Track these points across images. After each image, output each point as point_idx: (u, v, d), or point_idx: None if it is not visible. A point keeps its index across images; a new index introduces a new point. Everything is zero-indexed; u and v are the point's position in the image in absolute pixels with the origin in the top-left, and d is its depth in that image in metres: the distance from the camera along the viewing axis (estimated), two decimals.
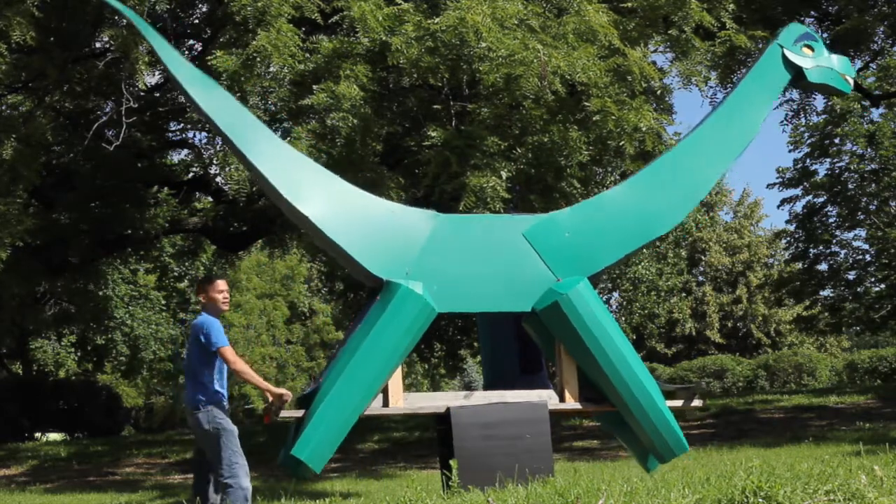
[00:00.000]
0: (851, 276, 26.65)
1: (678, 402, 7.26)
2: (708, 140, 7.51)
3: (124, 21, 11.12)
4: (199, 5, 15.33)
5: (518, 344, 7.62)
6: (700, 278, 41.97)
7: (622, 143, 10.05)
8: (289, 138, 10.73)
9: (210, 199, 18.76)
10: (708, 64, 11.71)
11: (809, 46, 7.73)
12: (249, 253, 29.53)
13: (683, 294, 37.17)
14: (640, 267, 24.23)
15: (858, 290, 26.43)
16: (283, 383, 40.06)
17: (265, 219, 16.05)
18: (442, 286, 6.70)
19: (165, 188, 17.68)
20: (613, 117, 9.85)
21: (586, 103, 10.03)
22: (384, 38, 9.76)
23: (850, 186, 25.29)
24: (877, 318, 26.54)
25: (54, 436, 28.06)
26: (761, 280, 37.90)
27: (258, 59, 9.76)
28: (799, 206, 26.64)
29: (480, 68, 9.51)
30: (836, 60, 7.83)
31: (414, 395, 6.99)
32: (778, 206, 39.88)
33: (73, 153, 16.06)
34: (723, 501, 4.79)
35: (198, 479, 6.56)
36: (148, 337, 26.15)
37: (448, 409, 6.69)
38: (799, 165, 25.91)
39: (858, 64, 19.71)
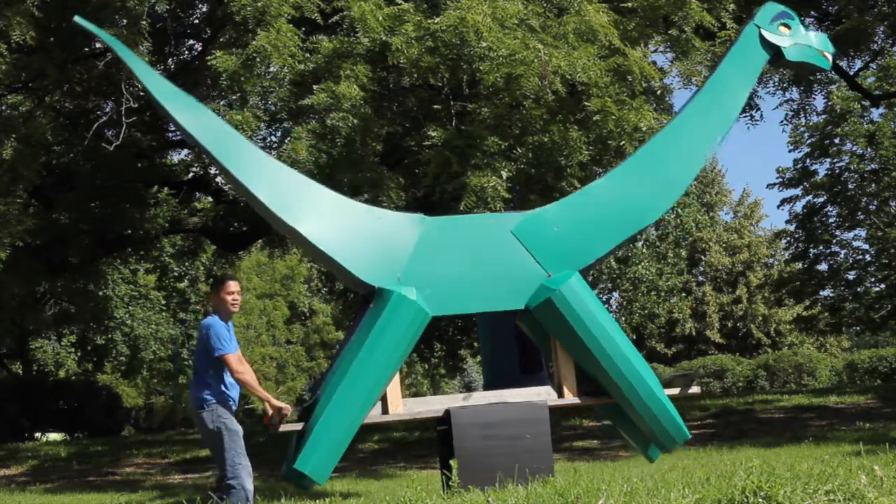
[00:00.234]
0: (851, 276, 26.64)
1: (675, 390, 7.26)
2: (690, 125, 7.48)
3: (124, 21, 11.14)
4: (199, 5, 15.34)
5: (518, 344, 7.61)
6: (700, 278, 41.99)
7: (622, 142, 10.05)
8: (289, 138, 10.75)
9: (210, 199, 18.77)
10: (708, 64, 11.69)
11: (786, 25, 7.67)
12: (249, 253, 29.52)
13: (683, 294, 37.17)
14: (640, 267, 24.22)
15: (858, 290, 26.43)
16: (283, 383, 40.12)
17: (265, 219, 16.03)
18: (434, 289, 6.70)
19: (165, 188, 17.68)
20: (614, 117, 9.85)
21: (586, 103, 10.04)
22: (384, 38, 9.76)
23: (850, 186, 25.28)
24: (877, 318, 26.53)
25: (54, 436, 28.06)
26: (761, 280, 37.91)
27: (258, 59, 9.76)
28: (799, 206, 26.65)
29: (481, 68, 9.52)
30: (814, 37, 7.77)
31: (412, 400, 6.99)
32: (778, 206, 39.92)
33: (73, 153, 16.06)
34: (723, 501, 4.79)
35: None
36: (148, 337, 26.14)
37: (448, 409, 6.69)
38: (799, 165, 25.91)
39: (858, 64, 19.73)
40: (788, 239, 28.05)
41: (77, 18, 6.89)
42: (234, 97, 11.53)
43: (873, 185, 24.79)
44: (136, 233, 16.67)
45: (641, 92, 10.53)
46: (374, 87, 10.07)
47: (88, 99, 14.70)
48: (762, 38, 7.63)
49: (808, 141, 25.40)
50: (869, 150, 24.25)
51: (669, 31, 11.17)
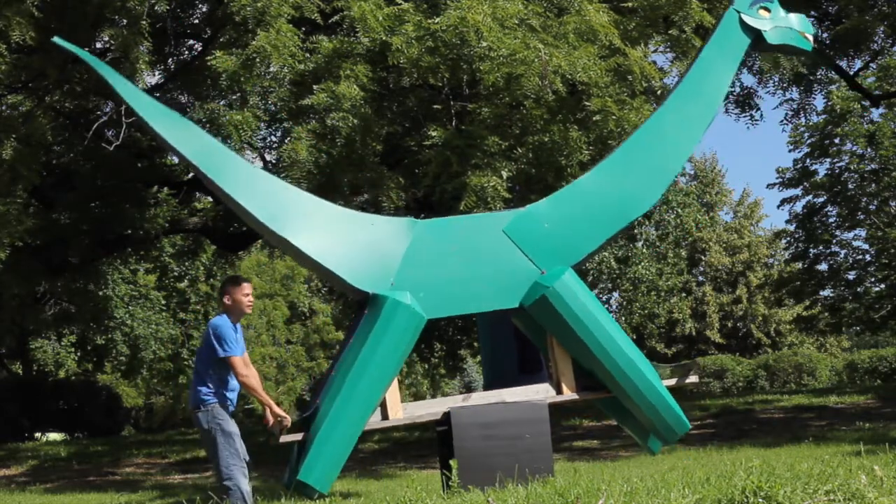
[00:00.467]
0: (851, 276, 26.64)
1: (673, 381, 7.25)
2: (676, 114, 7.46)
3: (124, 21, 11.13)
4: (199, 5, 15.34)
5: (518, 344, 7.61)
6: (700, 278, 41.97)
7: (622, 142, 10.04)
8: (289, 138, 10.74)
9: (210, 199, 18.75)
10: None
11: (766, 8, 7.64)
12: (249, 253, 29.55)
13: (683, 294, 37.17)
14: (640, 267, 24.23)
15: (858, 290, 26.43)
16: (283, 383, 40.11)
17: None
18: (428, 292, 6.69)
19: (165, 188, 17.66)
20: (614, 117, 9.85)
21: (587, 103, 10.04)
22: (384, 38, 9.76)
23: (850, 186, 25.28)
24: (877, 318, 26.53)
25: (54, 436, 28.06)
26: (761, 280, 37.90)
27: (258, 59, 9.76)
28: (799, 206, 26.66)
29: (481, 68, 9.51)
30: (795, 19, 7.74)
31: (412, 404, 6.99)
32: (778, 206, 39.95)
33: (73, 153, 16.05)
34: (723, 501, 4.79)
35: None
36: (148, 337, 26.13)
37: (448, 410, 6.69)
38: (799, 165, 25.91)
39: (858, 64, 19.74)
40: (788, 239, 28.05)
41: (56, 39, 6.90)
42: (234, 97, 11.52)
43: (873, 185, 24.79)
44: (136, 233, 16.66)
45: (642, 92, 10.54)
46: (374, 87, 10.07)
47: (88, 99, 14.69)
48: (742, 22, 7.60)
49: (808, 141, 25.40)
50: (869, 150, 24.26)
51: (669, 31, 11.17)
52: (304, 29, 11.28)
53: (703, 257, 41.56)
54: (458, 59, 9.65)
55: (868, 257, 26.67)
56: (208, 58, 10.82)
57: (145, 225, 16.17)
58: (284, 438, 6.45)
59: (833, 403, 18.44)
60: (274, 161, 15.93)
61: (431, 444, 12.84)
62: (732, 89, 16.63)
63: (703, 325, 40.09)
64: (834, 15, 17.48)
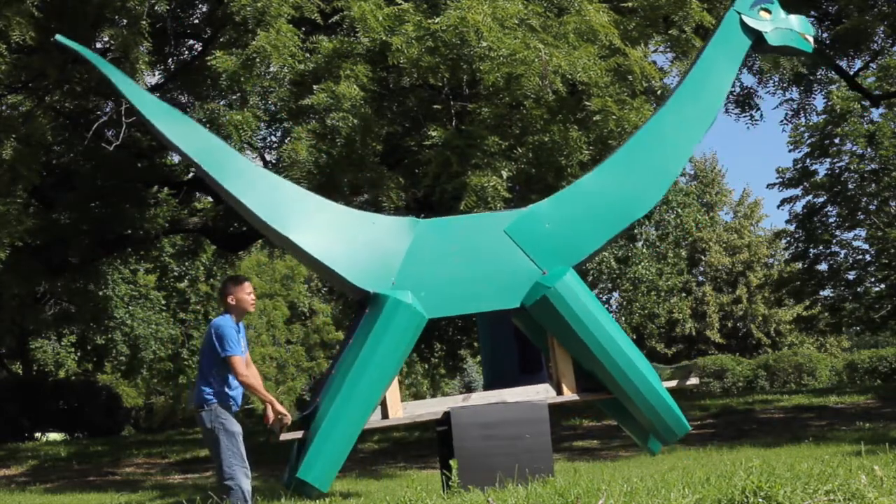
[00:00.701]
0: (851, 276, 26.64)
1: (673, 382, 7.25)
2: (676, 115, 7.48)
3: (124, 21, 11.13)
4: (199, 5, 15.33)
5: (518, 344, 7.61)
6: (700, 278, 41.97)
7: (623, 142, 10.03)
8: (289, 138, 10.74)
9: (210, 199, 18.75)
10: None
11: (766, 10, 7.66)
12: (249, 253, 29.55)
13: (683, 294, 37.16)
14: (640, 267, 24.23)
15: (858, 290, 26.43)
16: (283, 383, 40.11)
17: None
18: (429, 292, 6.69)
19: (165, 188, 17.66)
20: (614, 117, 9.85)
21: (587, 103, 10.04)
22: (384, 38, 9.76)
23: (850, 186, 25.28)
24: (877, 318, 26.53)
25: (54, 436, 28.06)
26: (761, 280, 37.90)
27: (258, 59, 9.76)
28: (799, 206, 26.66)
29: (481, 68, 9.51)
30: (795, 20, 7.76)
31: (412, 403, 6.99)
32: (778, 206, 39.95)
33: (73, 153, 16.05)
34: (723, 501, 4.79)
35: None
36: (148, 337, 26.13)
37: (448, 409, 6.69)
38: (799, 165, 25.91)
39: (858, 64, 19.74)
40: (788, 239, 28.05)
41: (58, 37, 6.90)
42: (234, 97, 11.53)
43: (873, 185, 24.79)
44: (136, 233, 16.66)
45: (642, 92, 10.54)
46: (374, 87, 10.07)
47: (88, 99, 14.69)
48: (743, 23, 7.62)
49: (808, 141, 25.40)
50: (869, 150, 24.26)
51: (670, 31, 11.17)
52: (304, 29, 11.28)
53: (703, 257, 41.57)
54: (458, 59, 9.65)
55: (868, 257, 26.68)
56: (208, 58, 10.83)
57: (145, 225, 16.17)
58: (285, 436, 6.45)
59: (833, 403, 18.44)
60: (274, 161, 15.93)
61: (431, 444, 12.84)
62: (733, 89, 16.64)
63: (703, 325, 40.09)
64: (834, 15, 17.48)
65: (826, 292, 27.56)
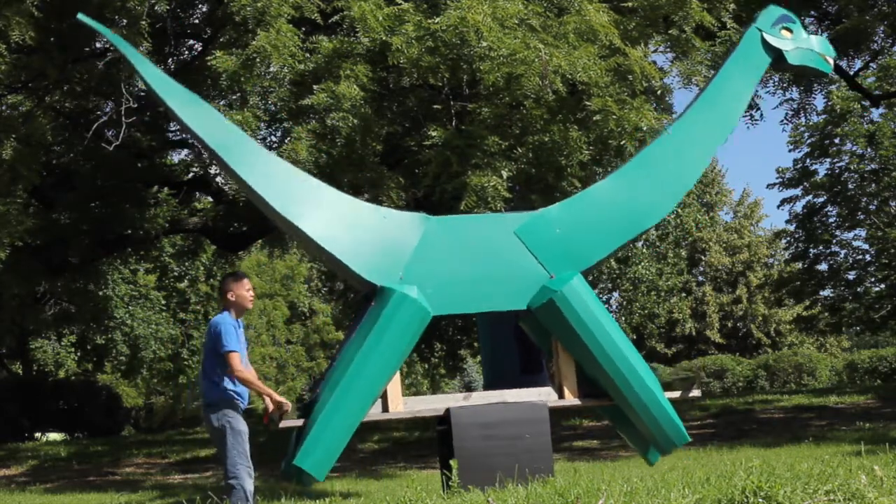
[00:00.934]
0: (851, 276, 26.64)
1: (676, 393, 7.26)
2: (692, 128, 7.50)
3: (124, 21, 11.14)
4: (199, 5, 15.34)
5: (518, 344, 7.61)
6: (700, 278, 41.98)
7: (623, 142, 10.04)
8: (289, 138, 10.73)
9: (210, 199, 18.76)
10: (708, 64, 11.70)
11: (788, 29, 7.71)
12: (249, 253, 29.54)
13: (683, 294, 37.16)
14: (640, 267, 24.23)
15: (858, 290, 26.43)
16: (283, 383, 40.11)
17: (265, 219, 15.98)
18: (436, 289, 6.70)
19: (165, 188, 17.67)
20: (614, 117, 9.84)
21: (587, 103, 10.03)
22: (384, 38, 9.75)
23: (850, 186, 25.28)
24: (877, 318, 26.54)
25: (54, 436, 28.06)
26: (761, 280, 37.91)
27: (258, 59, 9.76)
28: (799, 206, 26.66)
29: (481, 68, 9.51)
30: (816, 41, 7.81)
31: (413, 399, 6.99)
32: (778, 206, 39.91)
33: (73, 153, 16.05)
34: (723, 501, 4.79)
35: None
36: (148, 337, 26.14)
37: (448, 409, 6.69)
38: (799, 165, 25.91)
39: (858, 64, 19.74)
40: (788, 239, 28.05)
41: (80, 16, 6.90)
42: (234, 97, 11.52)
43: (873, 185, 24.79)
44: (136, 233, 16.66)
45: (642, 91, 10.53)
46: (374, 87, 10.06)
47: (88, 99, 14.70)
48: (764, 41, 7.66)
49: (808, 141, 25.40)
50: (869, 150, 24.26)
51: (670, 31, 11.17)
52: (304, 29, 11.28)
53: (703, 257, 41.58)
54: (458, 59, 9.65)
55: (868, 257, 26.68)
56: (208, 58, 10.83)
57: (145, 225, 16.18)
58: (284, 423, 6.46)
59: (833, 403, 18.44)
60: None
61: (431, 444, 12.85)
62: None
63: (703, 325, 40.10)
64: (834, 15, 17.48)
65: (826, 292, 27.58)
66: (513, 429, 6.64)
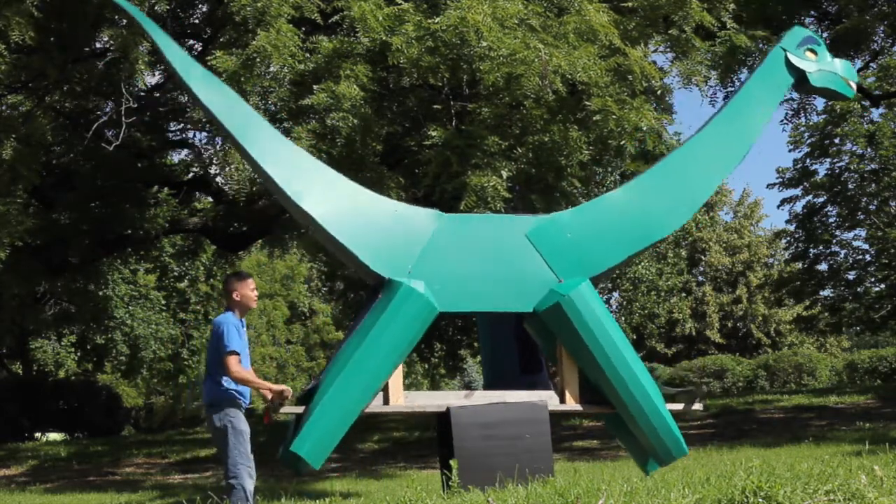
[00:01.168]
0: (851, 276, 26.65)
1: (679, 406, 7.25)
2: (711, 143, 7.50)
3: (124, 21, 11.13)
4: (199, 5, 15.32)
5: (518, 344, 7.61)
6: (700, 278, 41.98)
7: (623, 142, 10.04)
8: (289, 138, 10.71)
9: (210, 199, 18.76)
10: (708, 64, 11.71)
11: (813, 50, 7.72)
12: (249, 253, 29.51)
13: (683, 294, 37.16)
14: (640, 267, 24.23)
15: (858, 290, 26.43)
16: (283, 383, 40.11)
17: (265, 219, 16.05)
18: (444, 285, 6.70)
19: (165, 188, 17.67)
20: (614, 117, 9.84)
21: (587, 103, 10.03)
22: (384, 38, 9.75)
23: (850, 186, 25.28)
24: (877, 318, 26.54)
25: (54, 436, 28.06)
26: (761, 280, 37.91)
27: (258, 59, 9.75)
28: (799, 206, 26.66)
29: (481, 68, 9.51)
30: (839, 65, 7.82)
31: (414, 393, 7.00)
32: (778, 206, 39.91)
33: (73, 153, 16.05)
34: (723, 501, 4.79)
35: None
36: (148, 337, 26.15)
37: (448, 408, 6.69)
38: (799, 165, 25.91)
39: (858, 64, 19.72)
40: (788, 239, 28.06)
41: None
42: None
43: (873, 185, 24.79)
44: (136, 233, 16.67)
45: (642, 91, 10.53)
46: (374, 87, 10.06)
47: (88, 99, 14.69)
48: (788, 61, 7.65)
49: (808, 141, 25.40)
50: (869, 150, 24.25)
51: (669, 31, 11.17)
52: (304, 29, 11.27)
53: (703, 257, 41.57)
54: (458, 59, 9.65)
55: (868, 257, 26.68)
56: (208, 58, 10.80)
57: (145, 225, 16.19)
58: (285, 409, 6.47)
59: (833, 403, 18.45)
60: None
61: (431, 444, 12.85)
62: (732, 88, 16.61)
63: (703, 325, 40.09)
64: (834, 15, 17.46)
65: (826, 292, 27.58)
66: (513, 429, 6.64)
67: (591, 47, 9.91)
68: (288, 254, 30.27)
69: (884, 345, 33.25)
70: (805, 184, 25.98)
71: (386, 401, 6.69)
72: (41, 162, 12.66)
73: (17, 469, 16.40)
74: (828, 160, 25.35)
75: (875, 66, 20.66)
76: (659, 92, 12.03)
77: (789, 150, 26.25)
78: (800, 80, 7.71)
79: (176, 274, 24.96)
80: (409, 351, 6.92)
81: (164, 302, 26.82)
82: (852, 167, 24.92)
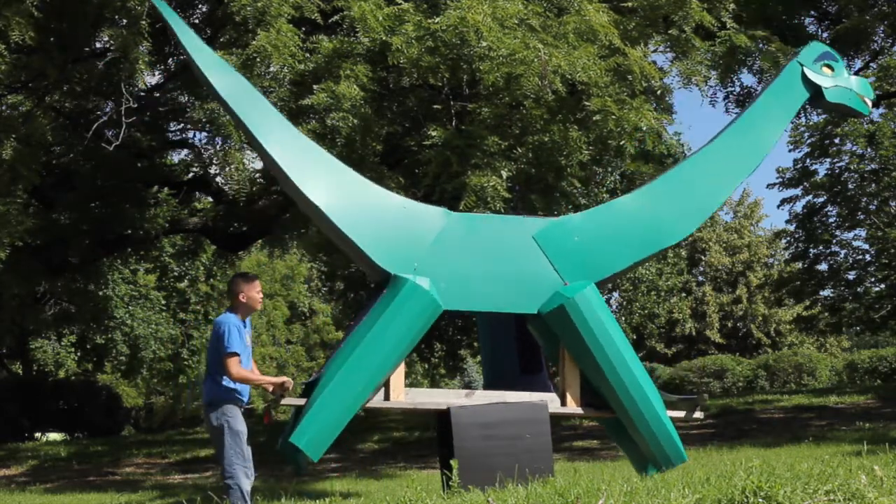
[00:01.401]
0: (851, 276, 26.64)
1: (680, 413, 7.24)
2: (722, 154, 7.49)
3: (124, 21, 11.13)
4: (199, 5, 15.32)
5: (518, 344, 7.61)
6: (700, 278, 41.98)
7: (622, 142, 10.04)
8: None
9: (210, 199, 18.76)
10: (708, 64, 11.70)
11: (829, 66, 7.71)
12: (249, 253, 29.51)
13: (683, 294, 37.16)
14: (640, 267, 24.23)
15: (858, 290, 26.42)
16: None
17: (265, 219, 16.05)
18: (449, 283, 6.71)
19: (165, 188, 17.68)
20: (614, 117, 9.84)
21: (587, 103, 10.03)
22: (384, 38, 9.75)
23: (850, 186, 25.27)
24: (877, 318, 26.52)
25: (54, 436, 28.08)
26: (761, 280, 37.91)
27: (258, 59, 9.76)
28: (799, 206, 26.65)
29: (481, 68, 9.51)
30: (855, 81, 7.82)
31: (416, 390, 6.99)
32: (778, 206, 39.93)
33: (73, 153, 16.05)
34: (723, 501, 4.79)
35: None
36: (148, 337, 26.16)
37: (448, 408, 6.69)
38: (799, 165, 25.90)
39: (858, 64, 19.72)
40: (788, 239, 28.04)
41: None
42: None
43: (873, 185, 24.77)
44: (136, 233, 16.67)
45: (641, 92, 10.53)
46: (374, 87, 10.06)
47: (88, 99, 14.69)
48: (804, 76, 7.65)
49: (808, 141, 25.38)
50: (869, 150, 24.23)
51: (669, 31, 11.16)
52: (304, 29, 11.27)
53: (703, 257, 41.58)
54: (458, 59, 9.65)
55: (868, 257, 26.67)
56: None
57: (145, 225, 16.19)
58: (286, 401, 6.46)
59: (833, 403, 18.45)
60: None
61: (431, 444, 12.85)
62: (732, 88, 16.60)
63: (703, 325, 40.10)
64: (834, 15, 17.47)
65: (826, 292, 27.57)
66: (513, 429, 6.64)
67: (590, 47, 9.91)
68: (288, 254, 30.29)
69: (884, 345, 33.25)
70: (805, 184, 25.96)
71: (387, 397, 6.70)
72: (41, 162, 12.66)
73: (17, 469, 16.41)
74: (828, 160, 25.33)
75: (875, 66, 20.65)
76: (659, 92, 12.02)
77: (789, 150, 26.29)
78: (815, 95, 7.70)
79: (176, 274, 24.97)
80: (412, 348, 6.92)
81: (164, 302, 26.83)
82: (852, 167, 24.90)
